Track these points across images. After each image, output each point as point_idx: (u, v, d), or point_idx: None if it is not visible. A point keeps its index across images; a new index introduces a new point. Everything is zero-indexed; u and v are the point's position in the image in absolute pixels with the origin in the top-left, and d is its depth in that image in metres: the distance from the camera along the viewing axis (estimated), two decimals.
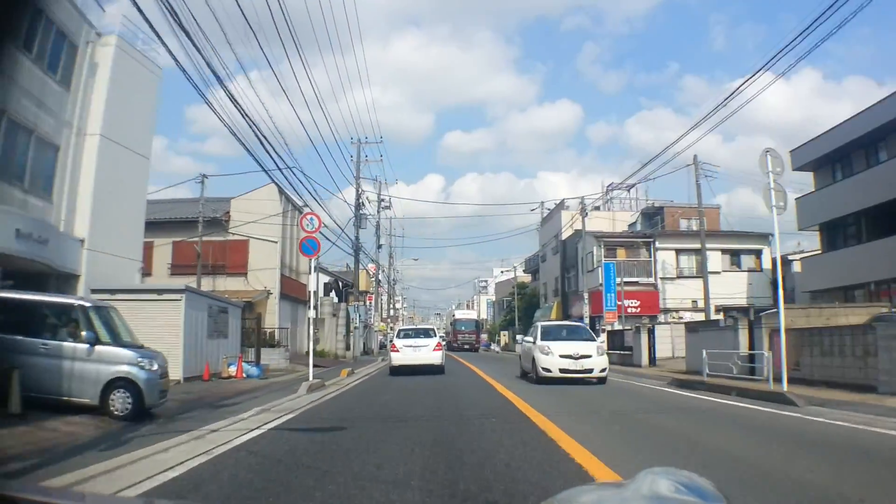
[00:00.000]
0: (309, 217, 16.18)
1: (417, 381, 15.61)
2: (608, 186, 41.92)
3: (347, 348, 35.95)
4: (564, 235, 42.43)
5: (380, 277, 59.04)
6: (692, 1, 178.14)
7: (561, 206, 44.63)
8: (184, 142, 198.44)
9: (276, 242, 27.72)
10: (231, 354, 18.74)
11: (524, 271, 63.81)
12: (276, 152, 19.27)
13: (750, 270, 37.46)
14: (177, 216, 29.03)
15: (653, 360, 24.04)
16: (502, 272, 69.89)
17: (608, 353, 29.01)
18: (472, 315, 63.03)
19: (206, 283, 27.77)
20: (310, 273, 15.96)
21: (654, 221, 40.98)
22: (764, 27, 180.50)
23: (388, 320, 66.77)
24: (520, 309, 56.00)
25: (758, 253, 37.97)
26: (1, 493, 1.38)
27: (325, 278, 42.05)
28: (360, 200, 34.26)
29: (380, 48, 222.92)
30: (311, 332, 16.05)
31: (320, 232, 17.40)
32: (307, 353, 34.21)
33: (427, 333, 20.42)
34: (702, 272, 35.95)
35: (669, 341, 24.71)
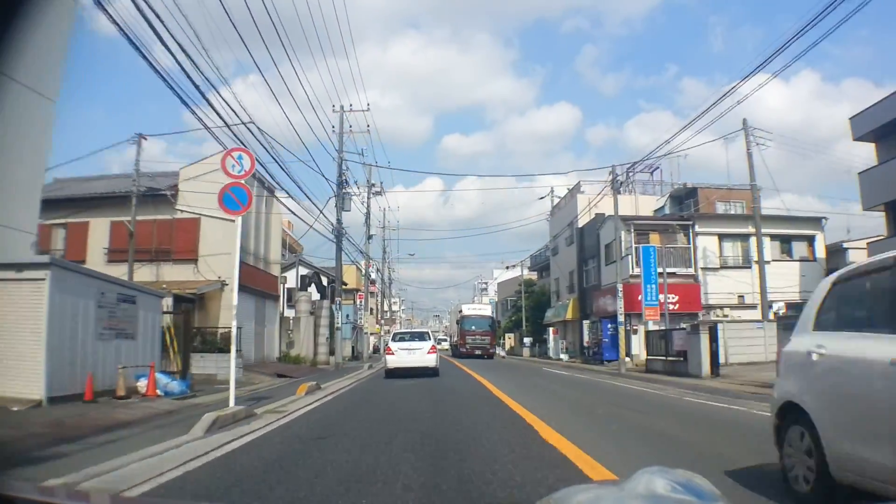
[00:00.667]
0: (237, 154, 10.71)
1: (406, 412, 9.95)
2: (629, 166, 36.25)
3: (331, 353, 30.35)
4: (581, 222, 36.91)
5: (372, 275, 53.47)
6: (690, 2, 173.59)
7: (576, 189, 39.07)
8: (184, 145, 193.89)
9: (233, 220, 22.08)
10: (139, 363, 13.15)
11: (529, 269, 58.25)
12: (223, 100, 13.84)
13: (802, 260, 31.96)
14: (115, 190, 23.54)
15: (716, 368, 18.46)
16: (508, 267, 64.01)
17: (650, 360, 24.11)
18: (486, 311, 46.72)
19: (146, 273, 22.26)
20: (236, 241, 10.36)
21: (686, 205, 35.45)
22: (763, 29, 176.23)
23: (383, 322, 61.10)
24: (527, 309, 50.39)
25: (810, 239, 32.51)
26: (1, 493, 1.39)
27: (302, 270, 36.44)
28: (343, 178, 28.76)
29: (379, 51, 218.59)
30: (234, 331, 10.42)
31: (309, 225, 11.86)
32: (279, 358, 28.66)
33: (421, 337, 20.61)
34: (749, 261, 30.58)
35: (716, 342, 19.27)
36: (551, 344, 40.20)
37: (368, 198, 39.92)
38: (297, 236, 40.31)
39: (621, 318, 22.04)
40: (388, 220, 54.67)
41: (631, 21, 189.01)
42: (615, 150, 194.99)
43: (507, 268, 63.20)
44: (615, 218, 23.76)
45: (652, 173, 41.01)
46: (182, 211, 22.50)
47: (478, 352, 40.40)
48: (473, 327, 42.67)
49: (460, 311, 48.61)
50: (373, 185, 39.94)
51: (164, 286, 20.56)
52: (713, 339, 18.61)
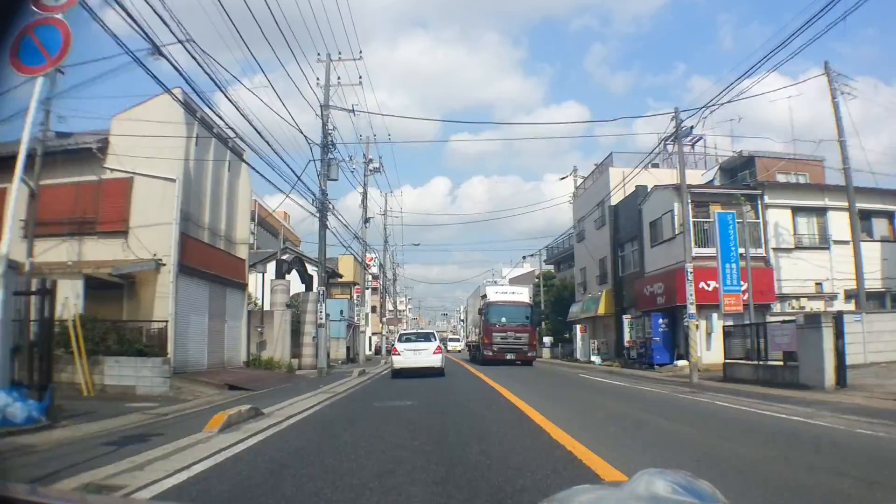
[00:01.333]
0: None
1: None
2: (698, 110, 30.57)
3: (315, 355, 24.89)
4: (614, 200, 31.38)
5: (373, 267, 48.09)
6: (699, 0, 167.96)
7: (608, 161, 33.52)
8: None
9: (173, 181, 16.73)
10: None
11: (545, 262, 52.71)
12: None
13: (883, 240, 26.37)
14: (33, 148, 18.15)
15: (842, 377, 12.90)
16: (525, 257, 58.38)
17: (729, 364, 17.00)
18: (522, 295, 31.66)
19: (64, 250, 16.91)
20: (29, 119, 4.80)
21: (741, 178, 29.87)
22: (771, 27, 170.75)
23: (385, 321, 55.67)
24: (547, 304, 44.82)
25: (890, 216, 26.85)
26: (1, 494, 1.36)
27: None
28: (329, 139, 23.34)
29: (387, 50, 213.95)
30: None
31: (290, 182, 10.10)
32: (246, 362, 23.10)
33: (427, 337, 20.87)
34: (826, 240, 24.99)
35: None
36: (579, 344, 34.58)
37: (365, 175, 34.68)
38: (274, 210, 35.15)
39: (692, 310, 16.23)
40: (390, 207, 49.06)
41: (639, 19, 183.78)
42: (622, 148, 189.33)
43: (524, 258, 57.73)
44: (681, 179, 18.07)
45: (694, 145, 35.39)
46: (111, 170, 17.12)
47: (510, 356, 27.76)
48: (504, 319, 29.05)
49: (484, 296, 33.84)
50: (370, 160, 34.68)
51: (70, 264, 15.24)
52: (839, 335, 13.04)
